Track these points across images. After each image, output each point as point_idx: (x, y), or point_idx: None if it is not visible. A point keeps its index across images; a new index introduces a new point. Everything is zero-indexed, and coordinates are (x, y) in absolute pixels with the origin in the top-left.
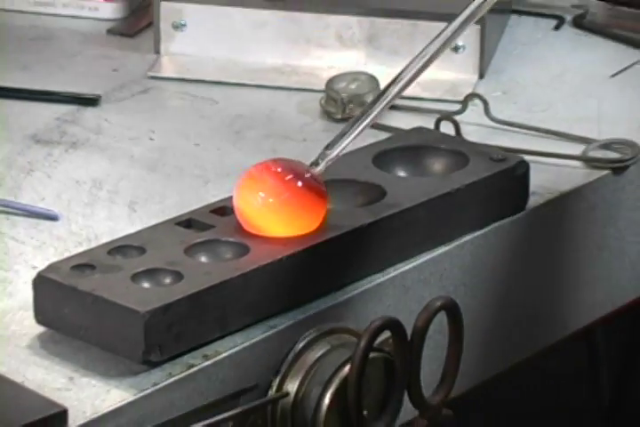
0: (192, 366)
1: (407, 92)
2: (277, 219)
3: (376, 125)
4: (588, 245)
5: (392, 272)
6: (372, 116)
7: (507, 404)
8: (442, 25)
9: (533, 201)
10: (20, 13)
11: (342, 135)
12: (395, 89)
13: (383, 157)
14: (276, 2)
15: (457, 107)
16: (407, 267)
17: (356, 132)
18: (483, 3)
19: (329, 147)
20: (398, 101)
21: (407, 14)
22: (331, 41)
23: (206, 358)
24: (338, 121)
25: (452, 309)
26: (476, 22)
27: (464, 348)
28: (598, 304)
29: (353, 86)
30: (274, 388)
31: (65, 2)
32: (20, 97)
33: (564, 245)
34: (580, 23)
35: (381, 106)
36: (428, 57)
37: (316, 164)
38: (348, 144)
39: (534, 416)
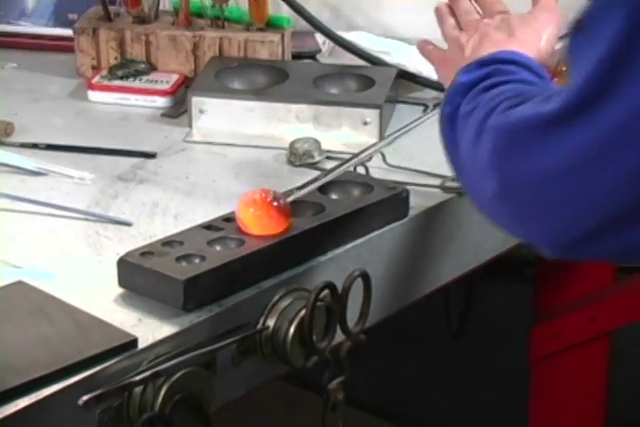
0: (212, 311)
1: (336, 149)
2: (261, 224)
3: (319, 168)
4: (442, 236)
5: (329, 255)
6: (327, 178)
7: (398, 332)
8: (357, 110)
9: (411, 212)
10: (109, 105)
11: (308, 184)
12: (345, 166)
13: (324, 187)
14: (260, 96)
15: (366, 158)
16: (338, 251)
17: (316, 184)
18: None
19: (299, 188)
20: (330, 154)
21: (336, 103)
22: (292, 119)
23: (221, 306)
24: (296, 166)
25: (365, 276)
26: (377, 107)
27: (372, 298)
28: (452, 271)
29: (305, 146)
30: (260, 324)
31: (136, 97)
32: (110, 153)
33: (429, 237)
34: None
35: (333, 174)
36: (363, 156)
37: (288, 195)
38: (310, 190)
39: (412, 337)
